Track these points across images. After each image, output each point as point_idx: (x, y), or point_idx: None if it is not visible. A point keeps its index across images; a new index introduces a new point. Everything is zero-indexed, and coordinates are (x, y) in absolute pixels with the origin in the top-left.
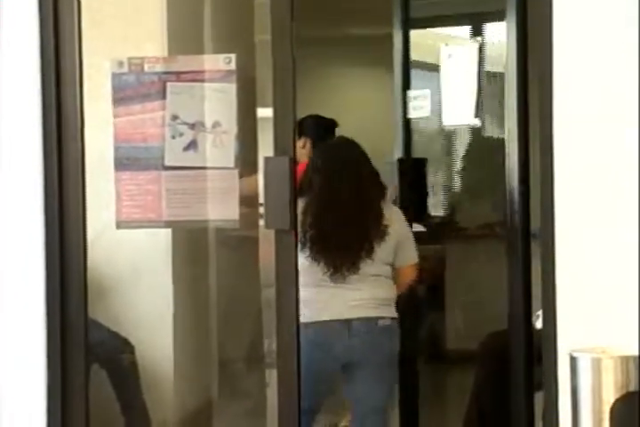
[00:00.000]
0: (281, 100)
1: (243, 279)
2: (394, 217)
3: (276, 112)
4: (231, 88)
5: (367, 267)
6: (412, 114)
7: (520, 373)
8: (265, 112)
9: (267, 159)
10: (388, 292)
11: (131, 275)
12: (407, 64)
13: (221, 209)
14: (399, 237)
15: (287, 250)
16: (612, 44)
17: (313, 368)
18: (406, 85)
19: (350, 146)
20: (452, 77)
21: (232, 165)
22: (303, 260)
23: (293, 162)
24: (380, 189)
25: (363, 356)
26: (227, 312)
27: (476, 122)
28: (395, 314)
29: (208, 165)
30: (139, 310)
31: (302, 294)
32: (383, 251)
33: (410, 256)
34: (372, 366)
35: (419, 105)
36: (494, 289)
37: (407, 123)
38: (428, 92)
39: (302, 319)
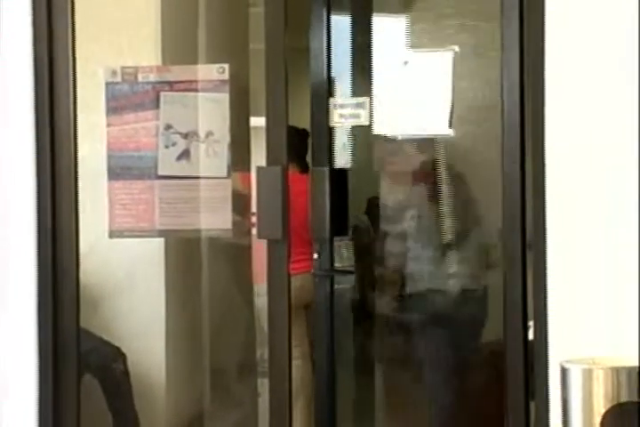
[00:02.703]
0: (273, 110)
1: (235, 288)
2: None
3: (268, 121)
4: (224, 98)
5: None
6: (337, 122)
7: (517, 384)
8: (258, 121)
9: (259, 169)
10: None
11: (123, 284)
12: (329, 70)
13: (214, 218)
14: None
15: (279, 260)
16: (603, 87)
17: None
18: (329, 92)
19: None
20: (412, 85)
21: (225, 174)
22: None
23: (286, 172)
24: None
25: None
26: (219, 321)
27: (450, 132)
28: None
29: (201, 174)
30: (131, 319)
31: None
32: None
33: None
34: None
35: (350, 113)
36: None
37: (330, 131)
38: (365, 99)
39: None
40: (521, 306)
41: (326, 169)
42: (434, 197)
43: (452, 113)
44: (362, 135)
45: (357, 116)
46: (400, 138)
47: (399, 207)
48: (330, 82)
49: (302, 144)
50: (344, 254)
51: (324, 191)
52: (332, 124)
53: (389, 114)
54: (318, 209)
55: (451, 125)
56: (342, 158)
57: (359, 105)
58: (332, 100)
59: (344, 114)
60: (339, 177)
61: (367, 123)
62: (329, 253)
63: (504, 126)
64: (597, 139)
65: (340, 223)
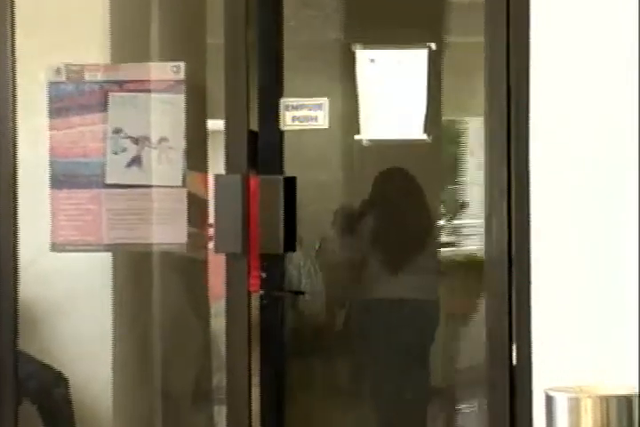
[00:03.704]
0: (233, 112)
1: (190, 308)
2: None
3: (227, 125)
4: (179, 99)
5: None
6: (290, 125)
7: (500, 411)
8: (216, 124)
9: (217, 177)
10: None
11: (66, 302)
12: (280, 68)
13: (168, 231)
14: None
15: (239, 276)
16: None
17: None
18: (279, 92)
19: None
20: (378, 86)
21: (179, 183)
22: None
23: (246, 180)
24: None
25: None
26: (172, 344)
27: (425, 137)
28: None
29: (153, 183)
30: (74, 341)
31: None
32: None
33: None
34: None
35: (306, 115)
36: None
37: (281, 135)
38: (323, 100)
39: None
40: (507, 330)
41: (280, 178)
42: (413, 207)
43: (427, 116)
44: (321, 140)
45: (314, 119)
46: (367, 143)
47: (369, 219)
48: (281, 80)
49: (253, 148)
50: (305, 272)
51: (277, 202)
52: (283, 128)
53: (354, 116)
54: (270, 222)
55: (426, 130)
56: (297, 165)
57: (316, 106)
58: (283, 100)
59: (298, 116)
60: (293, 186)
61: (326, 126)
62: (280, 271)
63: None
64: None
65: (292, 238)
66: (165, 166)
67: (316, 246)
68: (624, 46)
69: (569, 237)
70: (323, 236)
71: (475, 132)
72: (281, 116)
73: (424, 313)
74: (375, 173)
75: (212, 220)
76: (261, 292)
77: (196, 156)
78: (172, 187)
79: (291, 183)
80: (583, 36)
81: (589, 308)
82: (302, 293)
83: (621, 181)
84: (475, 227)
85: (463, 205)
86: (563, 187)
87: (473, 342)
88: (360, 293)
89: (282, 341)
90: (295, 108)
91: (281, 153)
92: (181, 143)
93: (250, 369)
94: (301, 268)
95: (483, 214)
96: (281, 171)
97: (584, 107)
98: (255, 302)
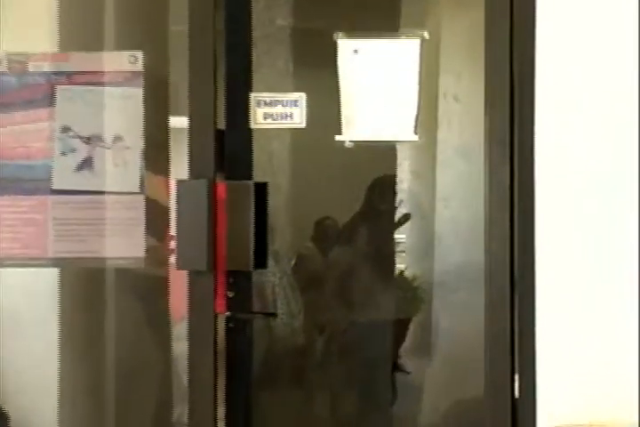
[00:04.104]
0: (198, 108)
1: (149, 331)
2: None
3: (192, 122)
4: (137, 93)
5: None
6: (262, 123)
7: None
8: (180, 122)
9: (180, 183)
10: None
11: (6, 325)
12: (251, 59)
13: (123, 244)
14: None
15: (203, 296)
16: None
17: None
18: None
19: None
20: (363, 80)
21: (137, 189)
22: None
23: (213, 185)
24: None
25: None
26: (127, 373)
27: (416, 138)
28: None
29: (107, 188)
30: (16, 368)
31: None
32: None
33: None
34: None
35: (280, 113)
36: None
37: (252, 135)
38: (300, 95)
39: None
40: (509, 357)
41: (250, 184)
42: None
43: (418, 115)
44: (297, 141)
45: (289, 117)
46: (350, 144)
47: (354, 232)
48: (251, 72)
49: (221, 149)
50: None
51: (246, 211)
52: (254, 127)
53: (335, 115)
54: (239, 234)
55: (417, 130)
56: (269, 170)
57: (291, 103)
58: (254, 95)
59: (271, 113)
60: (264, 194)
61: (303, 125)
62: (250, 290)
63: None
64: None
65: (263, 253)
66: (121, 170)
67: (292, 262)
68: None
69: (577, 250)
70: (299, 250)
71: (472, 131)
72: (251, 114)
73: (416, 336)
74: (359, 180)
75: (173, 231)
76: (228, 313)
77: (156, 157)
78: (128, 193)
79: (262, 190)
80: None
81: (601, 335)
82: (274, 314)
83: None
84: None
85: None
86: (571, 192)
87: (470, 371)
88: (342, 315)
89: (251, 369)
90: (268, 104)
91: (251, 155)
92: (139, 143)
93: (215, 401)
94: (275, 286)
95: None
96: (250, 176)
97: (594, 100)
98: (222, 325)
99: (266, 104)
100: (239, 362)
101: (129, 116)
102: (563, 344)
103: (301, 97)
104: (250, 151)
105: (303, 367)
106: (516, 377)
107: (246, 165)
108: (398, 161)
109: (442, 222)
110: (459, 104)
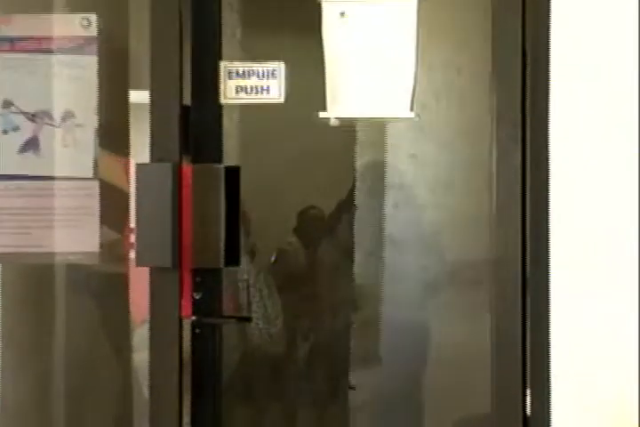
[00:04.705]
0: (162, 80)
1: (105, 337)
2: None
3: (154, 97)
4: (91, 62)
5: None
6: (233, 98)
7: None
8: (140, 96)
9: (141, 166)
10: None
11: None
12: (220, 23)
13: (74, 237)
14: None
15: (167, 296)
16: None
17: None
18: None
19: None
20: (351, 48)
21: (90, 173)
22: None
23: (179, 170)
24: None
25: None
26: (80, 385)
27: (411, 116)
28: None
29: (56, 173)
30: None
31: None
32: None
33: None
34: None
35: (255, 85)
36: None
37: (222, 112)
38: (278, 65)
39: None
40: (520, 372)
41: (221, 167)
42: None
43: (414, 89)
44: (275, 118)
45: (266, 90)
46: (335, 122)
47: (343, 223)
48: (220, 39)
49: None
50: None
51: (216, 200)
52: (224, 102)
53: (319, 88)
54: (208, 226)
55: (413, 107)
56: (243, 152)
57: (268, 73)
58: (224, 64)
59: (244, 86)
60: (237, 179)
61: (281, 100)
62: (218, 291)
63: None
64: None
65: (235, 248)
66: (72, 151)
67: (272, 259)
68: None
69: (597, 245)
70: (280, 245)
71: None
72: (221, 87)
73: (414, 342)
74: (347, 163)
75: (133, 222)
76: (194, 318)
77: (112, 137)
78: (80, 179)
79: (234, 175)
80: None
81: (623, 344)
82: (248, 319)
83: None
84: None
85: None
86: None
87: (477, 385)
88: (328, 319)
89: (220, 381)
90: (240, 75)
91: (221, 135)
92: (93, 120)
93: (180, 417)
94: (249, 287)
95: None
96: (221, 158)
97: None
98: (188, 331)
99: (238, 75)
100: (207, 374)
101: (81, 90)
102: (580, 355)
103: (280, 67)
104: (220, 130)
105: (280, 380)
106: (528, 392)
107: (216, 147)
108: (391, 142)
109: (441, 213)
110: (462, 77)
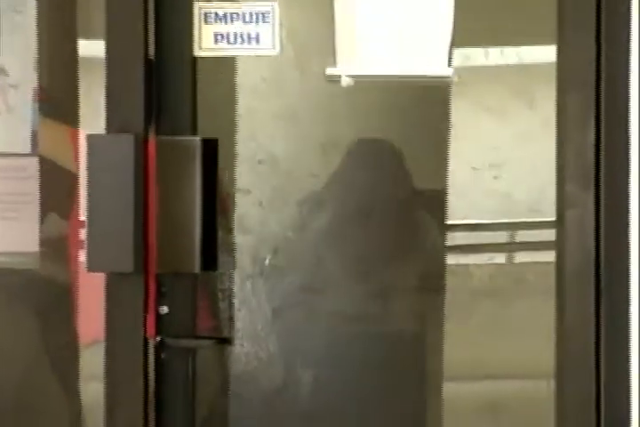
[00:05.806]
0: (120, 28)
1: (47, 360)
2: None
3: (110, 49)
4: (28, 5)
5: None
6: (210, 49)
7: None
8: (93, 48)
9: (93, 139)
10: None
11: None
12: None
13: (8, 233)
14: None
15: (128, 307)
16: None
17: None
18: None
19: None
20: None
21: (28, 148)
22: None
23: (143, 143)
24: None
25: None
26: (16, 420)
27: (449, 73)
28: None
29: None
30: None
31: None
32: None
33: None
34: None
35: (240, 31)
36: None
37: (196, 67)
38: (270, 5)
39: None
40: (594, 393)
41: (197, 140)
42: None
43: (452, 40)
44: (267, 75)
45: (254, 39)
46: (347, 81)
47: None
48: None
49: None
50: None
51: (190, 182)
52: (200, 54)
53: (326, 37)
54: (179, 217)
55: (451, 62)
56: (223, 121)
57: (258, 16)
58: (199, 5)
59: (225, 33)
60: (214, 155)
61: (276, 51)
62: (191, 304)
63: None
64: None
65: (213, 248)
66: (4, 119)
67: (266, 261)
68: None
69: None
70: (275, 244)
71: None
72: (196, 34)
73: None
74: (363, 135)
75: (83, 213)
76: (158, 338)
77: (57, 101)
78: (13, 155)
79: (211, 150)
80: None
81: None
82: (228, 340)
83: None
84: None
85: None
86: None
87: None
88: (333, 342)
89: (193, 420)
90: (221, 18)
91: (195, 98)
92: (32, 80)
93: None
94: (232, 297)
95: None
96: (195, 129)
97: None
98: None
99: (218, 19)
100: (177, 411)
101: (16, 41)
102: None
103: (273, 8)
104: (194, 92)
105: (272, 421)
106: (602, 416)
107: (189, 114)
108: (422, 108)
109: (487, 200)
110: (518, 23)
